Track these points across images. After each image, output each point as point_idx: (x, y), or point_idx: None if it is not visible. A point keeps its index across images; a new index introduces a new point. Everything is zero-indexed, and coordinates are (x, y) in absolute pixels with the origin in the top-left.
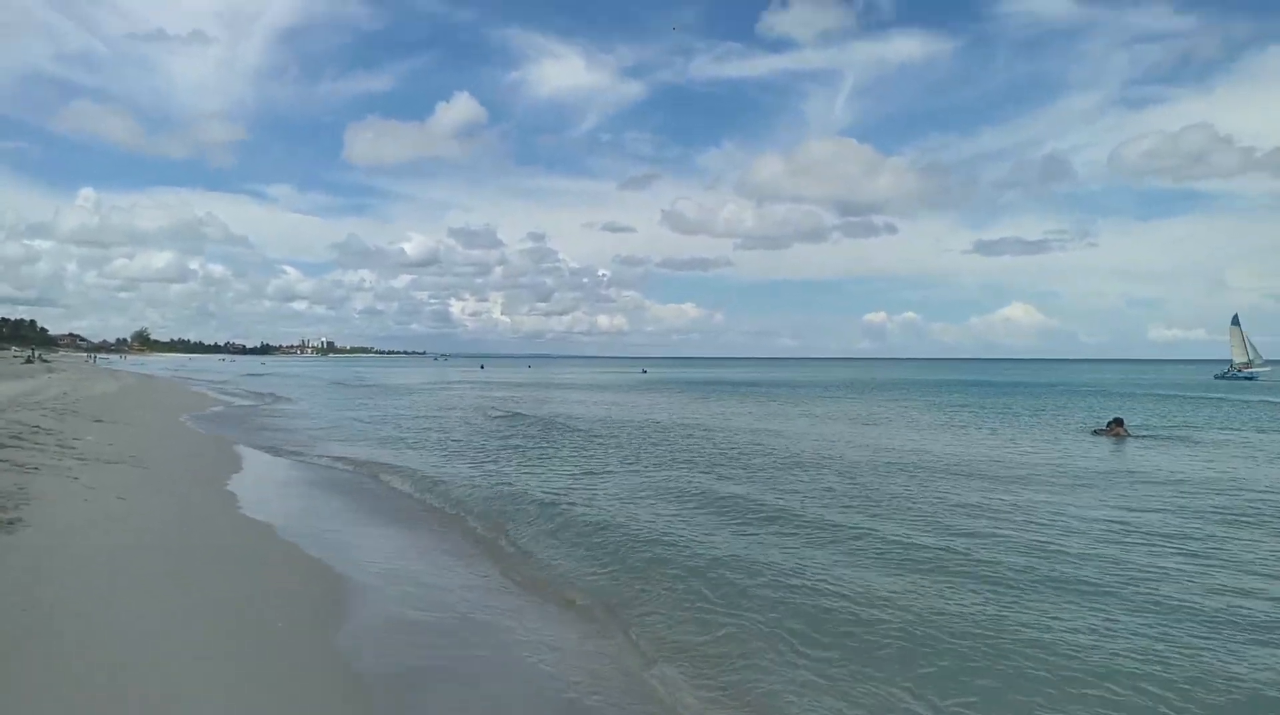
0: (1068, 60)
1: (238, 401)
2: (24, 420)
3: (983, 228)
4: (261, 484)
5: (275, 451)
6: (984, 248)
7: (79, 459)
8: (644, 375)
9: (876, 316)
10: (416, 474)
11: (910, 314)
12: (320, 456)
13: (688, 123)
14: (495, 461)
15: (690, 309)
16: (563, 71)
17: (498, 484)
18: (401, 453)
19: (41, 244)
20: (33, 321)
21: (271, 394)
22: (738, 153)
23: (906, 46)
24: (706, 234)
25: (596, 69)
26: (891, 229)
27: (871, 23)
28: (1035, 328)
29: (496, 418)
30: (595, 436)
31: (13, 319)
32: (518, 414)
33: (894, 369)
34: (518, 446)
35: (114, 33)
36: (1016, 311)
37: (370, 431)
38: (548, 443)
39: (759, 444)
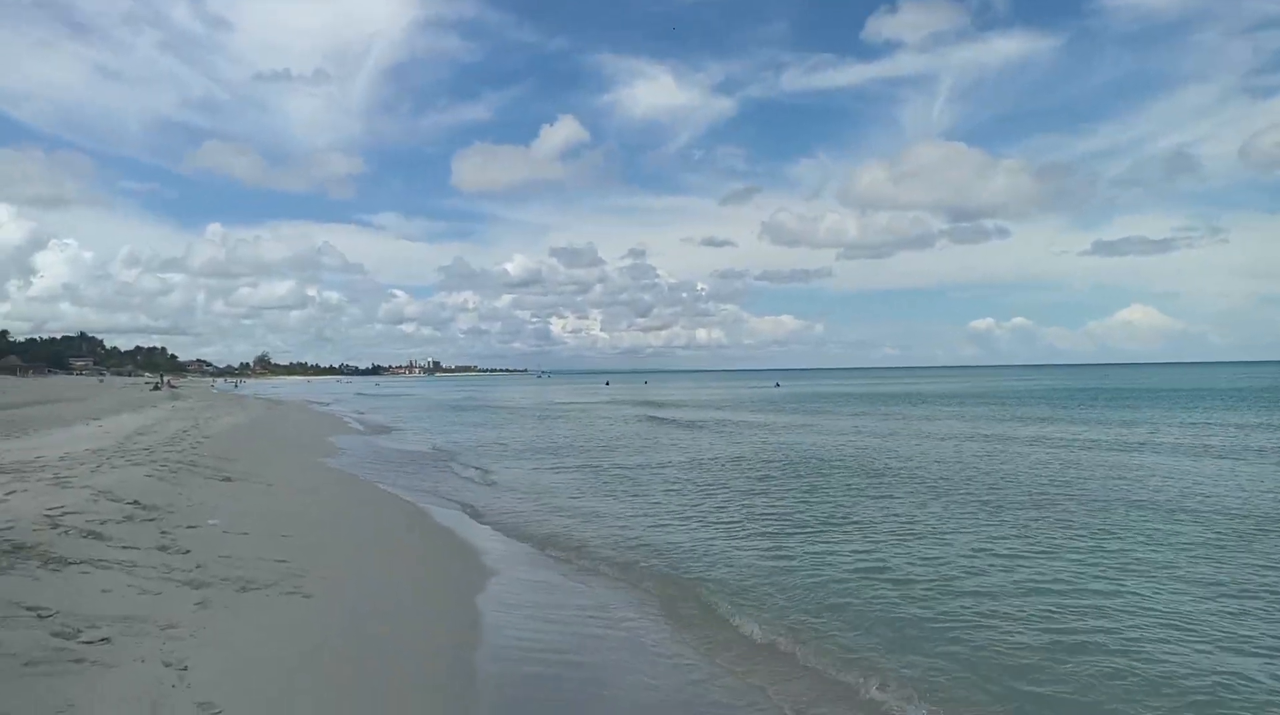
0: (1181, 52)
1: (386, 437)
2: (122, 489)
3: (1102, 228)
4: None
5: (516, 535)
6: (1103, 249)
7: (193, 583)
8: (778, 389)
9: (983, 323)
10: None
11: (1020, 319)
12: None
13: (780, 135)
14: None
15: (789, 321)
16: (655, 92)
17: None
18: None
19: (174, 277)
20: (164, 348)
21: (393, 421)
22: (832, 164)
23: (1005, 47)
24: (806, 245)
25: (688, 87)
26: (1003, 233)
27: (981, 23)
28: (1157, 330)
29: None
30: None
31: (146, 347)
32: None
33: (1022, 377)
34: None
35: (233, 77)
36: (1136, 314)
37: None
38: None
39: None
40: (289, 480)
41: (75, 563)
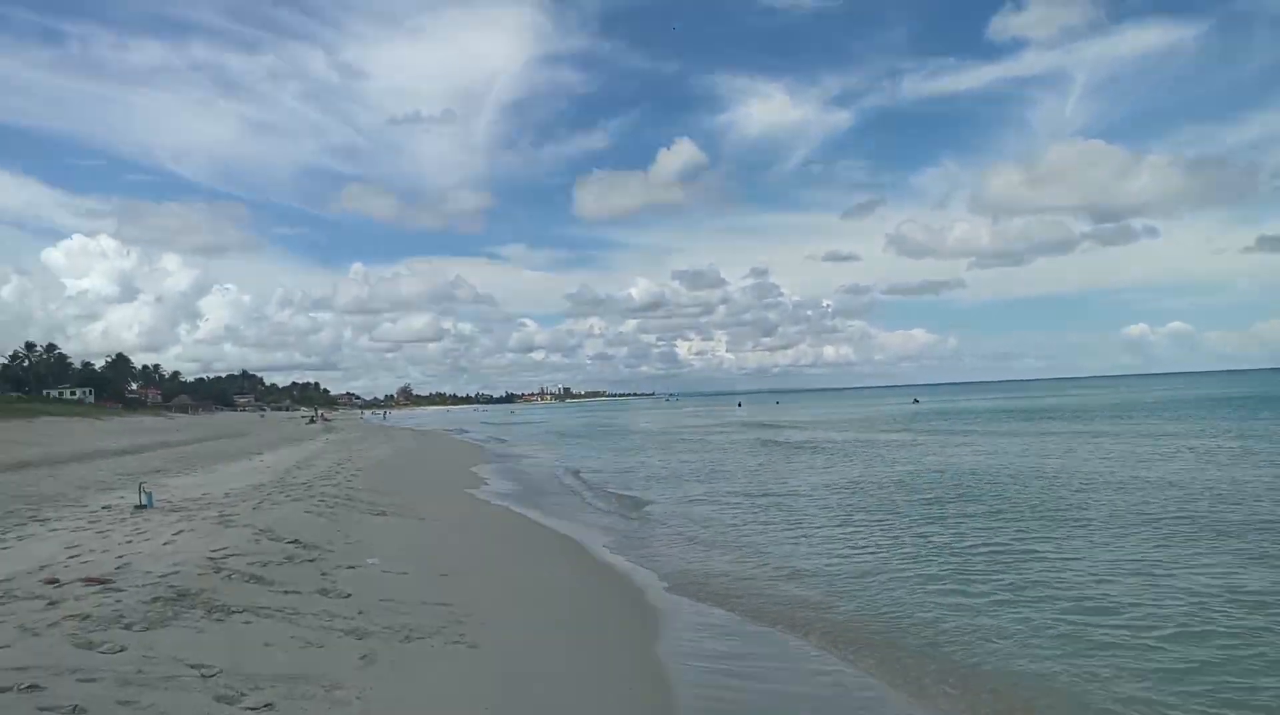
0: None
1: (528, 466)
2: (283, 527)
3: (1266, 222)
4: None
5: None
6: (1269, 244)
7: (356, 632)
8: (917, 405)
9: (1136, 329)
10: None
11: (1178, 324)
12: None
13: (902, 145)
14: None
15: (920, 335)
16: (770, 109)
17: None
18: None
19: (323, 316)
20: (316, 383)
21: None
22: (959, 170)
23: (1142, 38)
24: (934, 256)
25: (802, 103)
26: (1152, 232)
27: (1114, 14)
28: None
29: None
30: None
31: (301, 382)
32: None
33: (1191, 385)
34: None
35: (369, 123)
36: None
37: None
38: None
39: None
40: (441, 513)
41: (238, 611)
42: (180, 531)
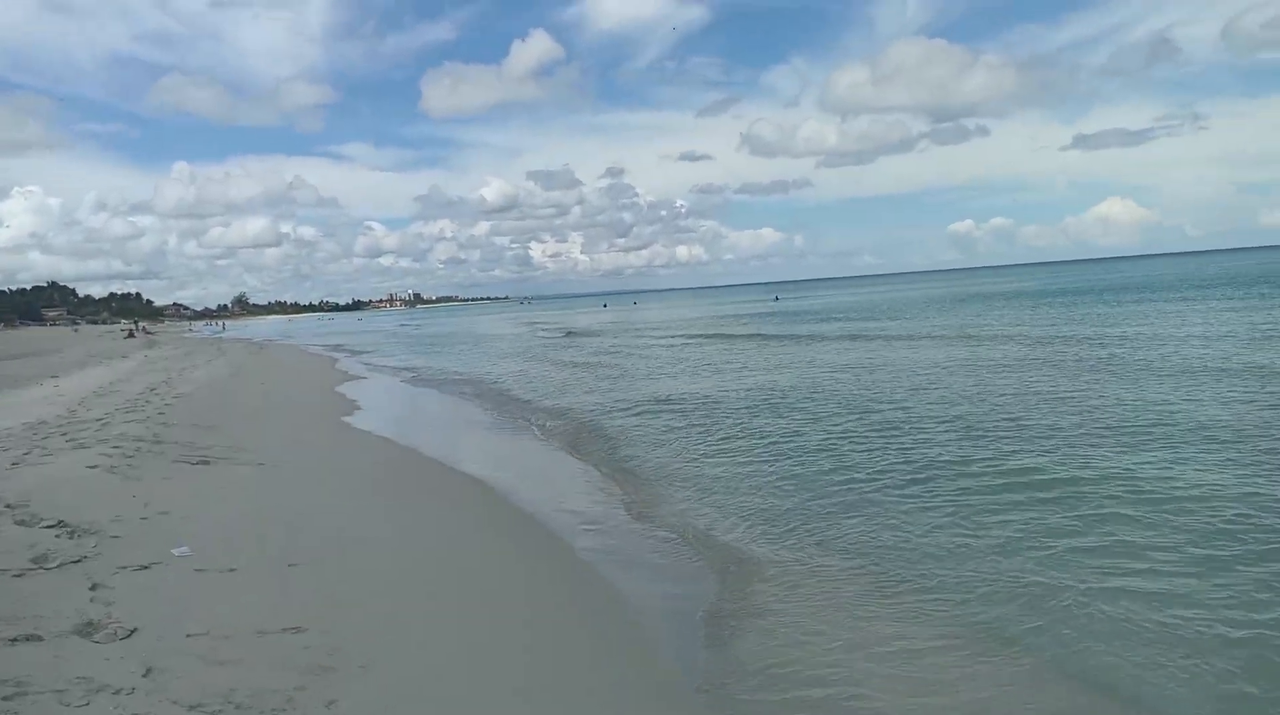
0: None
1: (403, 381)
2: (47, 496)
3: (1082, 122)
4: None
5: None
6: (1083, 143)
7: None
8: (778, 303)
9: (963, 225)
10: None
11: (999, 220)
12: None
13: (754, 41)
14: None
15: (769, 234)
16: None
17: None
18: None
19: (144, 220)
20: (138, 294)
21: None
22: (808, 68)
23: None
24: (786, 155)
25: None
26: (984, 132)
27: None
28: (1134, 223)
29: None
30: None
31: (120, 293)
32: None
33: (1009, 277)
34: None
35: (186, 7)
36: (1113, 208)
37: None
38: None
39: None
40: (290, 455)
41: None
42: None
